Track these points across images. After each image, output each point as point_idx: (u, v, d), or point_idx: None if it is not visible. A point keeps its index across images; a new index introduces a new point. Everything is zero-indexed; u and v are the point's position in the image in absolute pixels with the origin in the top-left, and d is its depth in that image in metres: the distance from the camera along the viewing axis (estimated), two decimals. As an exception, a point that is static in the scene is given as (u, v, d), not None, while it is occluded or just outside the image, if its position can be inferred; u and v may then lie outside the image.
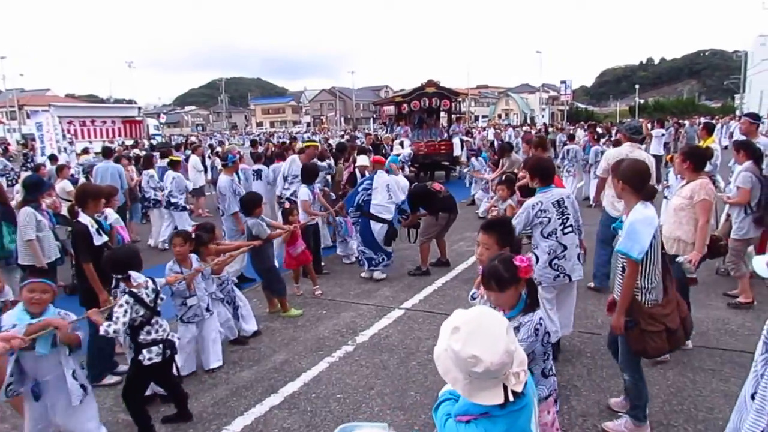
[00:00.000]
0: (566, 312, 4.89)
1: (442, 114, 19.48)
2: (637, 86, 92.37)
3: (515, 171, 8.91)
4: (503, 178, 7.75)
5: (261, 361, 5.16)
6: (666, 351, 3.65)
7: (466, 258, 8.34)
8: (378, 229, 7.41)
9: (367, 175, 8.26)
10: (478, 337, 1.75)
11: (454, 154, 18.09)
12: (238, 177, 8.61)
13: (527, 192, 6.07)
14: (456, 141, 18.25)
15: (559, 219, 4.52)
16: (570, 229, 4.56)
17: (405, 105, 18.32)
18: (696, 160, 4.90)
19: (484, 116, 77.87)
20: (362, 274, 7.66)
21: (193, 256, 5.02)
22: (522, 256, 2.52)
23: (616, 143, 10.24)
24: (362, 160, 9.37)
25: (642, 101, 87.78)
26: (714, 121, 29.53)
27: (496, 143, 18.09)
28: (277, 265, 6.77)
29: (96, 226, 4.81)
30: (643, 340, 3.41)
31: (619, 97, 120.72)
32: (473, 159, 13.99)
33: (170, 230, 9.99)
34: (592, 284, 6.63)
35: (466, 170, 16.45)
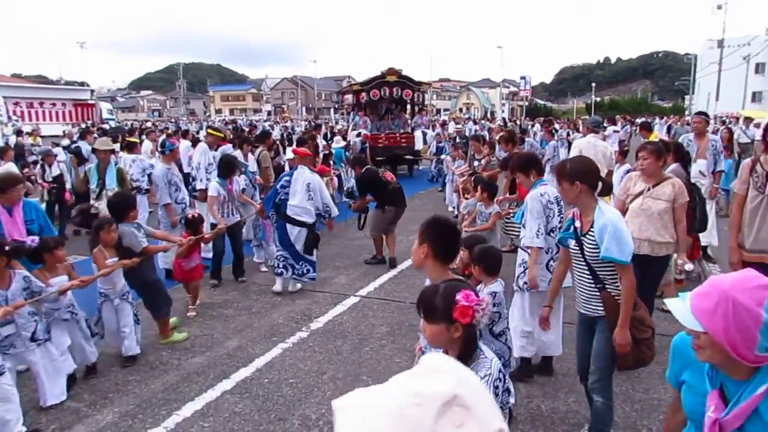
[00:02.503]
0: (555, 326, 4.23)
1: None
2: (593, 84, 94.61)
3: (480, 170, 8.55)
4: (476, 180, 6.81)
5: (213, 347, 5.14)
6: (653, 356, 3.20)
7: (422, 248, 8.45)
8: (296, 234, 6.47)
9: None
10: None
11: (416, 147, 17.25)
12: (179, 166, 8.37)
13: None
14: (418, 134, 17.45)
15: (558, 215, 4.25)
16: None
17: (364, 94, 17.20)
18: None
19: (445, 109, 78.32)
20: (274, 287, 6.57)
21: (21, 273, 3.98)
22: (470, 293, 1.95)
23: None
24: (289, 153, 8.14)
25: (598, 99, 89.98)
26: (664, 121, 30.71)
27: (458, 138, 18.08)
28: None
29: None
30: (639, 350, 3.06)
31: (576, 94, 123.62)
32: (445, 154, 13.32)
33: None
34: None
35: (433, 165, 16.05)
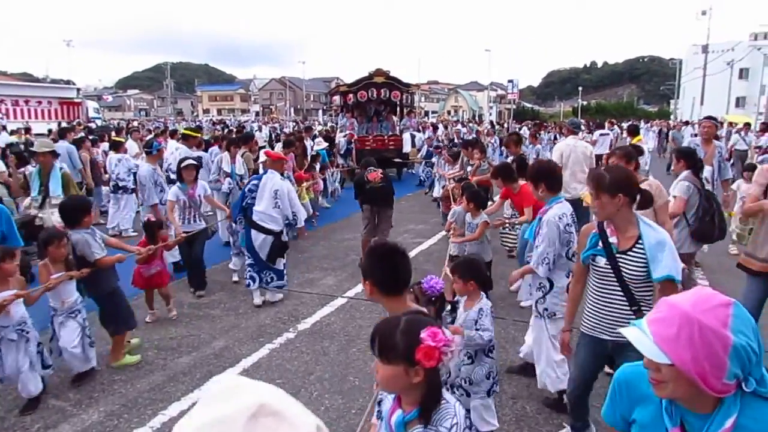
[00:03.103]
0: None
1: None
2: (580, 88, 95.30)
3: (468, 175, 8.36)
4: (464, 188, 6.56)
5: (200, 348, 5.13)
6: None
7: (410, 250, 8.49)
8: (260, 241, 6.15)
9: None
10: None
11: (404, 150, 16.72)
12: (161, 166, 8.29)
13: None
14: (406, 136, 16.99)
15: (576, 235, 3.75)
16: None
17: (351, 95, 16.84)
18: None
19: (433, 112, 78.57)
20: (254, 301, 6.20)
21: None
22: (438, 331, 1.62)
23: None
24: (261, 156, 7.75)
25: (585, 103, 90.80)
26: (650, 125, 31.06)
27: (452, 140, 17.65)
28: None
29: None
30: None
31: (563, 98, 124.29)
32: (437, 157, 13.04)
33: (122, 215, 9.66)
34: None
35: (421, 169, 15.62)
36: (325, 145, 13.10)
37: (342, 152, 15.88)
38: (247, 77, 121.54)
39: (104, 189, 10.88)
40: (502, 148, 11.62)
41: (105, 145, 12.58)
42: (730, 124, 19.47)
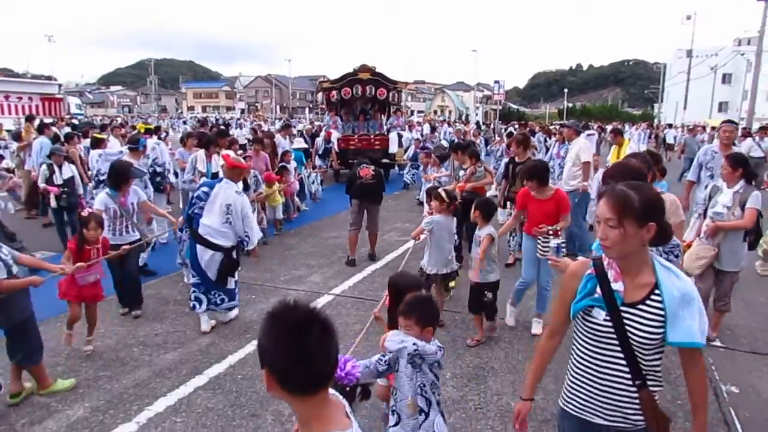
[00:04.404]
0: None
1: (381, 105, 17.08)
2: (566, 90, 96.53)
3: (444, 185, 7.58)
4: (431, 193, 5.71)
5: (186, 344, 5.11)
6: None
7: (396, 248, 8.52)
8: (207, 258, 5.31)
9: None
10: None
11: (391, 150, 15.90)
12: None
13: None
14: (393, 136, 16.13)
15: None
16: None
17: (334, 92, 15.97)
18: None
19: (420, 111, 78.81)
20: (202, 327, 5.38)
21: None
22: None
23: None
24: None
25: (570, 105, 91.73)
26: (634, 128, 31.41)
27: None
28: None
29: None
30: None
31: (549, 99, 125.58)
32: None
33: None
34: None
35: (406, 171, 15.12)
36: (303, 145, 12.57)
37: (320, 152, 15.21)
38: (233, 74, 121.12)
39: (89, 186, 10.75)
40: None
41: (87, 142, 12.42)
42: (713, 128, 19.71)
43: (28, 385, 4.15)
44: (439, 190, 5.45)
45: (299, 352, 1.34)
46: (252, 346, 5.03)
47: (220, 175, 7.26)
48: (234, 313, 5.66)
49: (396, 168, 16.68)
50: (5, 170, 11.42)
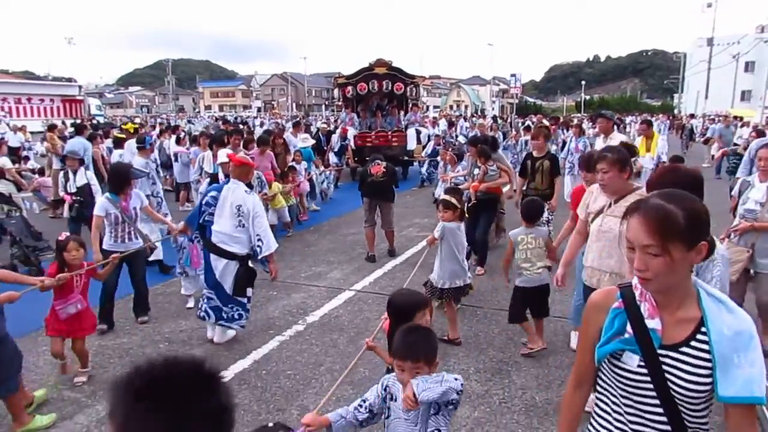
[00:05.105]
0: None
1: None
2: (583, 82, 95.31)
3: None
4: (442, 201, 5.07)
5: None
6: None
7: (416, 243, 8.51)
8: (221, 268, 4.95)
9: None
10: None
11: (409, 146, 15.56)
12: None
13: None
14: (411, 132, 15.79)
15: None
16: None
17: (350, 88, 15.56)
18: None
19: (435, 107, 78.56)
20: (208, 334, 5.16)
21: None
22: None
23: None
24: (222, 156, 6.63)
25: (588, 97, 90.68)
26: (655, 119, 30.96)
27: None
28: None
29: None
30: None
31: (566, 92, 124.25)
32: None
33: None
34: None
35: (424, 168, 14.79)
36: (311, 142, 12.36)
37: (335, 150, 14.77)
38: (249, 73, 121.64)
39: None
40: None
41: (109, 142, 12.63)
42: (736, 117, 19.35)
43: (38, 393, 3.98)
44: (447, 196, 5.01)
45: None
46: (276, 342, 5.08)
47: (220, 175, 7.35)
48: (232, 332, 5.18)
49: (417, 164, 15.96)
50: (30, 171, 11.68)
